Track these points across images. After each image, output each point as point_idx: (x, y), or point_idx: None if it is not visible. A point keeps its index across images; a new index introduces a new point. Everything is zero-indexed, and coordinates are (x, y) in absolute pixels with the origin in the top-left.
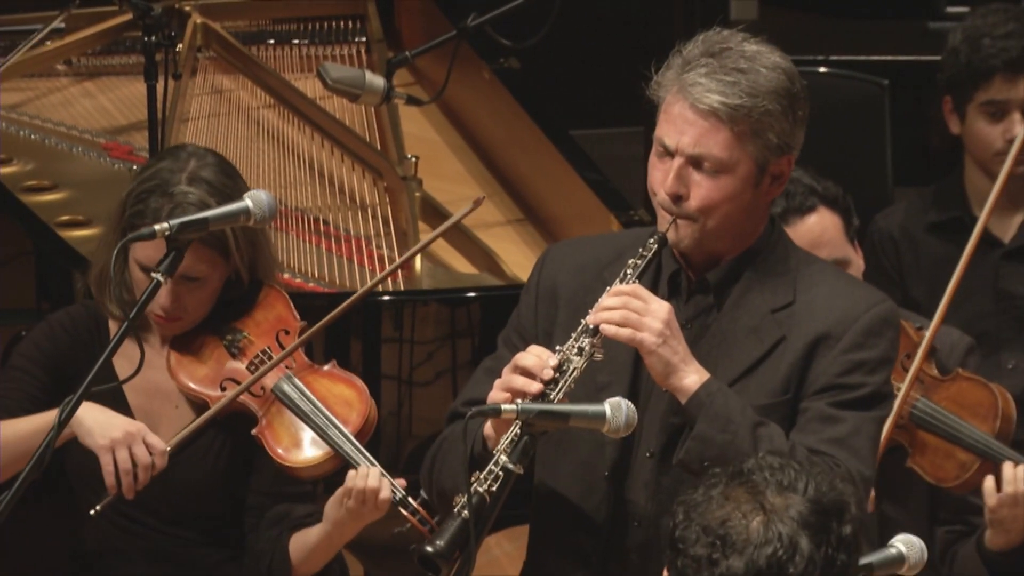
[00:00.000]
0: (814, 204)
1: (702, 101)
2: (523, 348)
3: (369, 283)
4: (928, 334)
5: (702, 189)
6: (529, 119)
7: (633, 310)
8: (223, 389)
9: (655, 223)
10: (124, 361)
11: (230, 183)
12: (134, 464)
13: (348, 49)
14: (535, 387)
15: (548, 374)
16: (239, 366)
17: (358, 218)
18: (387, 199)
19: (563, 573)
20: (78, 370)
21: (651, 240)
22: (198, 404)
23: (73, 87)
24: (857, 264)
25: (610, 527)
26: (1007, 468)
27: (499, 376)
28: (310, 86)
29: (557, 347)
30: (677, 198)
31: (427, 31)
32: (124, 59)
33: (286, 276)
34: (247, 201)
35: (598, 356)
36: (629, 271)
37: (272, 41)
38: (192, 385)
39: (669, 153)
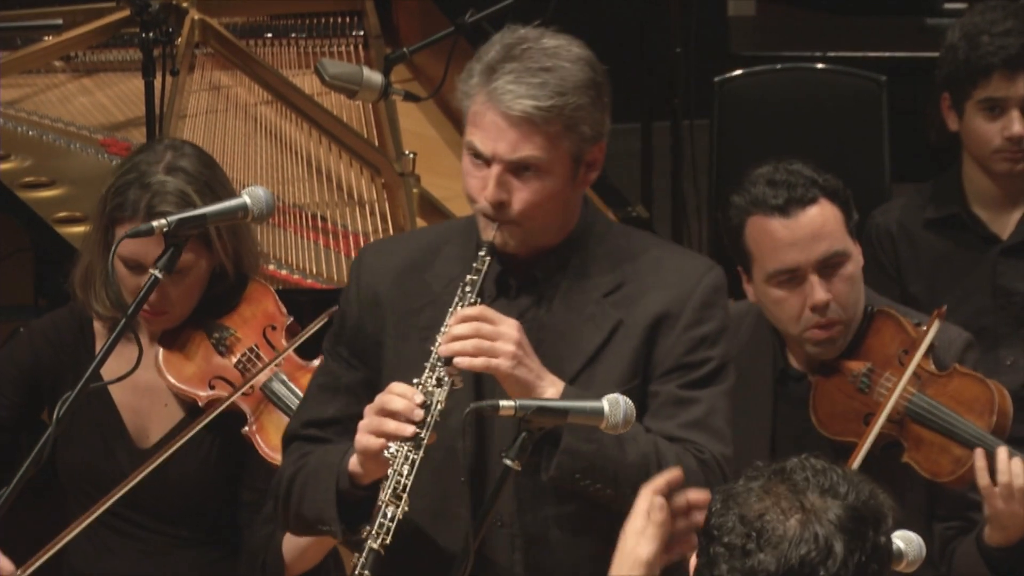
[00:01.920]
0: (815, 196)
1: (514, 108)
2: (355, 361)
3: None
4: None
5: (523, 193)
6: None
7: (484, 336)
8: (212, 388)
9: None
10: (112, 359)
11: (208, 172)
12: None
13: (346, 45)
14: (409, 430)
15: (419, 415)
16: (227, 364)
17: (356, 214)
18: (385, 195)
19: None
20: (58, 377)
21: (481, 252)
22: (187, 402)
23: (71, 83)
24: (856, 258)
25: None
26: (1001, 454)
27: (334, 393)
28: (308, 82)
29: (415, 380)
30: (499, 204)
31: (425, 27)
32: (122, 55)
33: (283, 272)
34: (245, 197)
35: (458, 384)
36: (468, 289)
37: (270, 36)
38: (180, 384)
39: (485, 161)
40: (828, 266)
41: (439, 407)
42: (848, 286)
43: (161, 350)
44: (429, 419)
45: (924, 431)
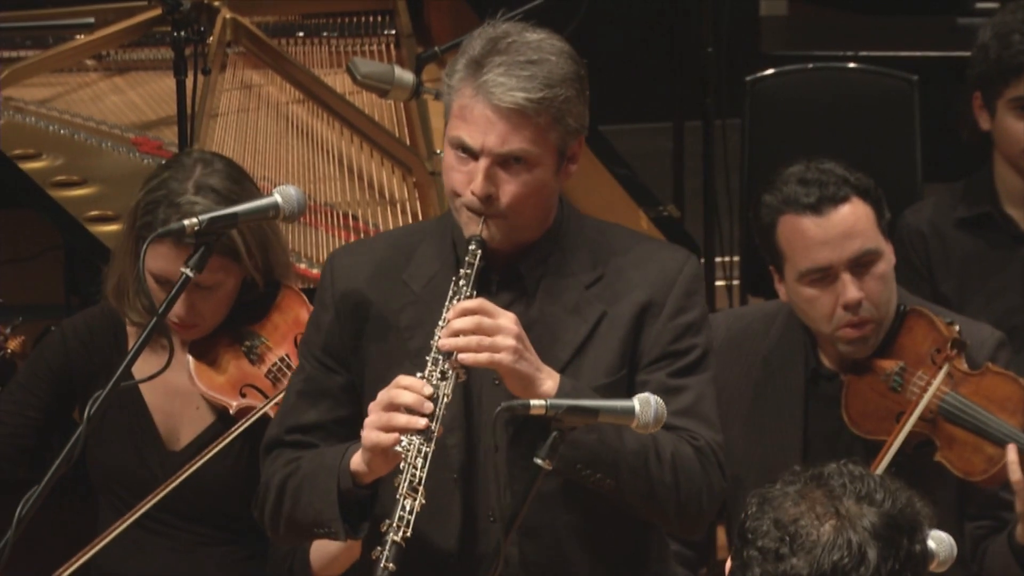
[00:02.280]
0: (847, 194)
1: (504, 100)
2: (334, 365)
3: None
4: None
5: (511, 186)
6: None
7: (485, 330)
8: (243, 396)
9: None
10: (142, 362)
11: (237, 188)
12: None
13: (377, 44)
14: (421, 423)
15: (428, 407)
16: (258, 372)
17: (387, 213)
18: (416, 194)
19: None
20: (90, 377)
21: (471, 246)
22: (218, 408)
23: (103, 82)
24: (889, 257)
25: (465, 527)
26: None
27: (315, 398)
28: (339, 81)
29: (419, 374)
30: (488, 198)
31: (456, 26)
32: (153, 54)
33: (315, 271)
34: (276, 196)
35: (462, 377)
36: (463, 283)
37: (301, 35)
38: (212, 392)
39: (472, 155)
40: (860, 264)
41: (446, 400)
42: (880, 284)
43: (192, 358)
44: (437, 412)
45: (957, 430)
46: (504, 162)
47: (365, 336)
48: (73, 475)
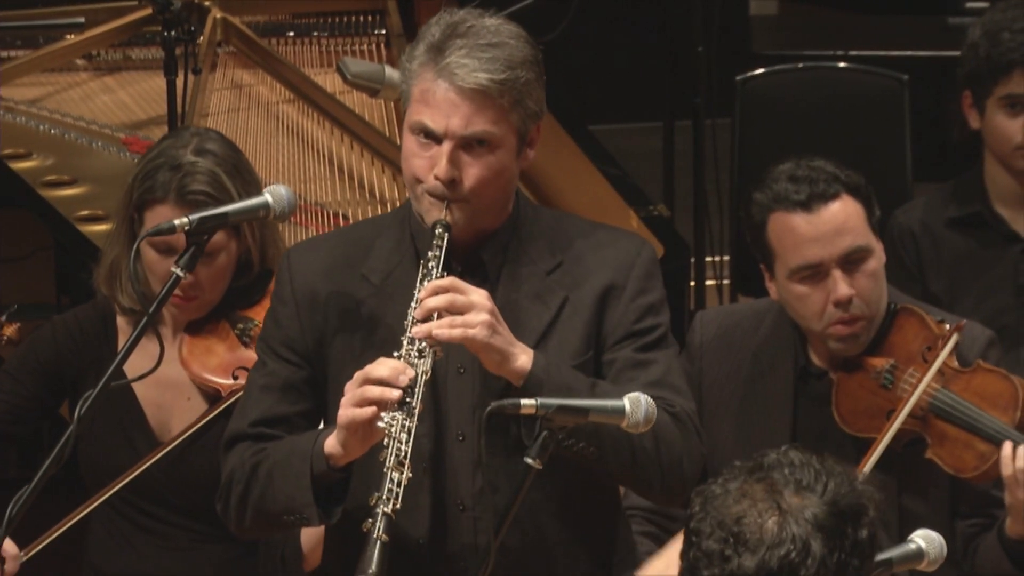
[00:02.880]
0: (837, 191)
1: (468, 81)
2: (296, 359)
3: None
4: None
5: (475, 169)
6: (549, 113)
7: (458, 307)
8: (235, 378)
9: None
10: (134, 356)
11: (235, 155)
12: None
13: (368, 44)
14: (395, 394)
15: (404, 380)
16: (251, 355)
17: (377, 212)
18: (407, 193)
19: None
20: (80, 371)
21: (437, 230)
22: (211, 394)
23: (93, 82)
24: (879, 254)
25: (435, 516)
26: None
27: (278, 391)
28: (329, 81)
29: (395, 353)
30: (451, 182)
31: None
32: (144, 54)
33: None
34: (267, 195)
35: (439, 355)
36: (432, 264)
37: (291, 35)
38: (205, 374)
39: (435, 138)
40: (851, 261)
41: (426, 377)
42: (871, 282)
43: (186, 340)
44: (417, 389)
45: (948, 427)
46: (467, 145)
47: (326, 330)
48: (64, 475)
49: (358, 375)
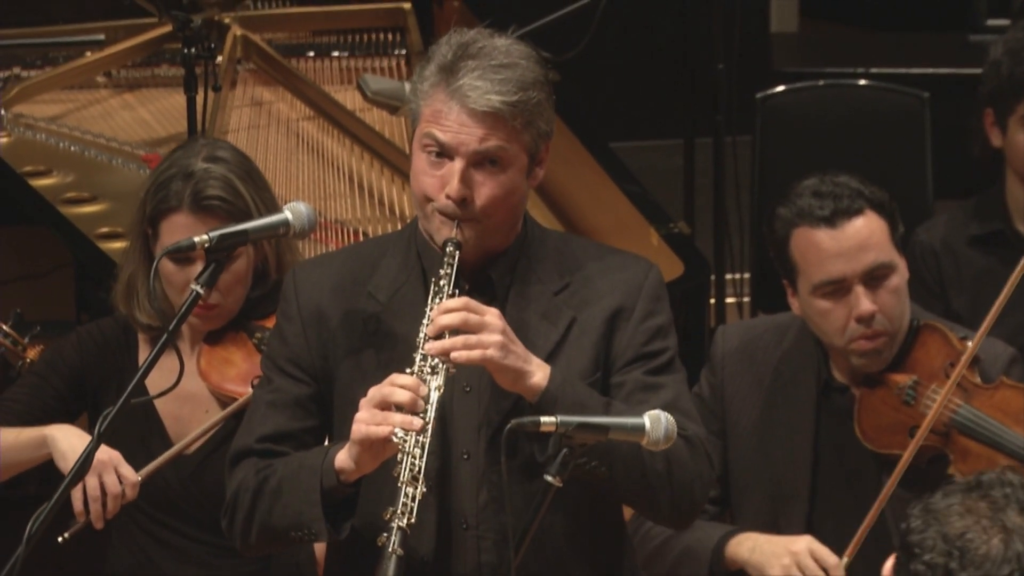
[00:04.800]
0: (861, 207)
1: (480, 103)
2: (302, 376)
3: None
4: (972, 344)
5: (486, 188)
6: (569, 131)
7: (472, 326)
8: (254, 387)
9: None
10: (153, 371)
11: (247, 162)
12: (105, 492)
13: (388, 61)
14: (417, 423)
15: (421, 406)
16: None
17: (397, 230)
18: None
19: None
20: (102, 382)
21: (448, 248)
22: (229, 406)
23: (113, 99)
24: (902, 270)
25: (440, 535)
26: None
27: (285, 408)
28: (350, 98)
29: (408, 370)
30: (463, 201)
31: None
32: (164, 71)
33: None
34: (287, 212)
35: (452, 371)
36: (443, 283)
37: (312, 53)
38: (225, 385)
39: (447, 155)
40: (874, 278)
41: (438, 393)
42: (894, 298)
43: (204, 352)
44: (431, 406)
45: (971, 443)
46: (479, 163)
47: (332, 347)
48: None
49: (374, 393)
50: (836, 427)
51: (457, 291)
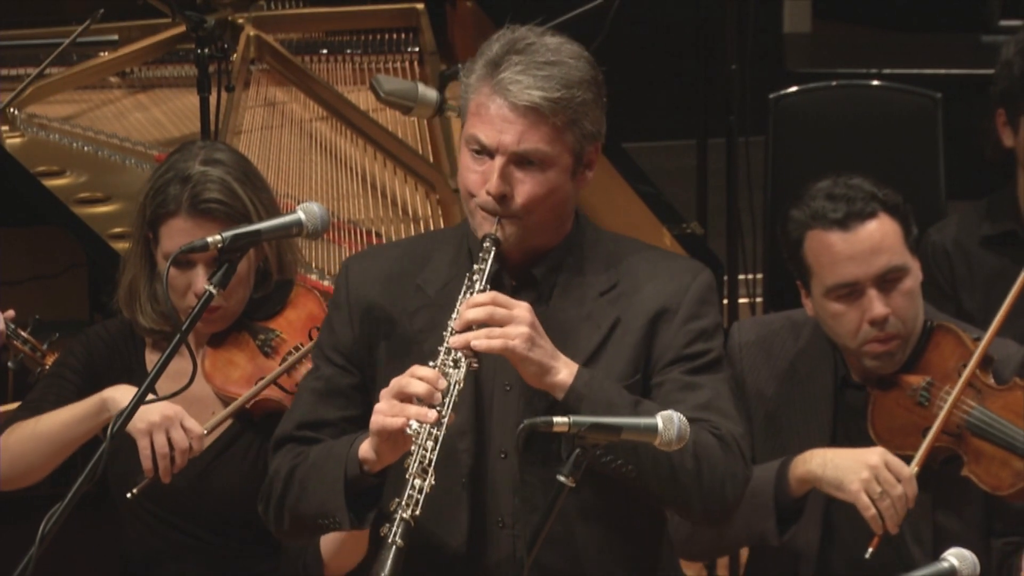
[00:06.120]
0: (874, 210)
1: (521, 98)
2: (347, 366)
3: None
4: (983, 341)
5: (526, 186)
6: None
7: (498, 320)
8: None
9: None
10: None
11: (244, 163)
12: (172, 448)
13: (401, 61)
14: (432, 415)
15: (438, 398)
16: (273, 364)
17: (410, 230)
18: (439, 211)
19: None
20: (112, 382)
21: (486, 243)
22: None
23: (126, 99)
24: (916, 273)
25: (473, 532)
26: None
27: (327, 396)
28: (363, 98)
29: (431, 363)
30: (502, 197)
31: (479, 44)
32: (177, 71)
33: (326, 284)
34: (300, 213)
35: (474, 366)
36: (476, 278)
37: (325, 52)
38: (228, 386)
39: (488, 153)
40: (887, 280)
41: (458, 387)
42: (907, 300)
43: (207, 354)
44: (448, 399)
45: (984, 444)
46: (519, 161)
47: (379, 338)
48: (96, 492)
49: (393, 384)
50: (851, 423)
51: (487, 286)
